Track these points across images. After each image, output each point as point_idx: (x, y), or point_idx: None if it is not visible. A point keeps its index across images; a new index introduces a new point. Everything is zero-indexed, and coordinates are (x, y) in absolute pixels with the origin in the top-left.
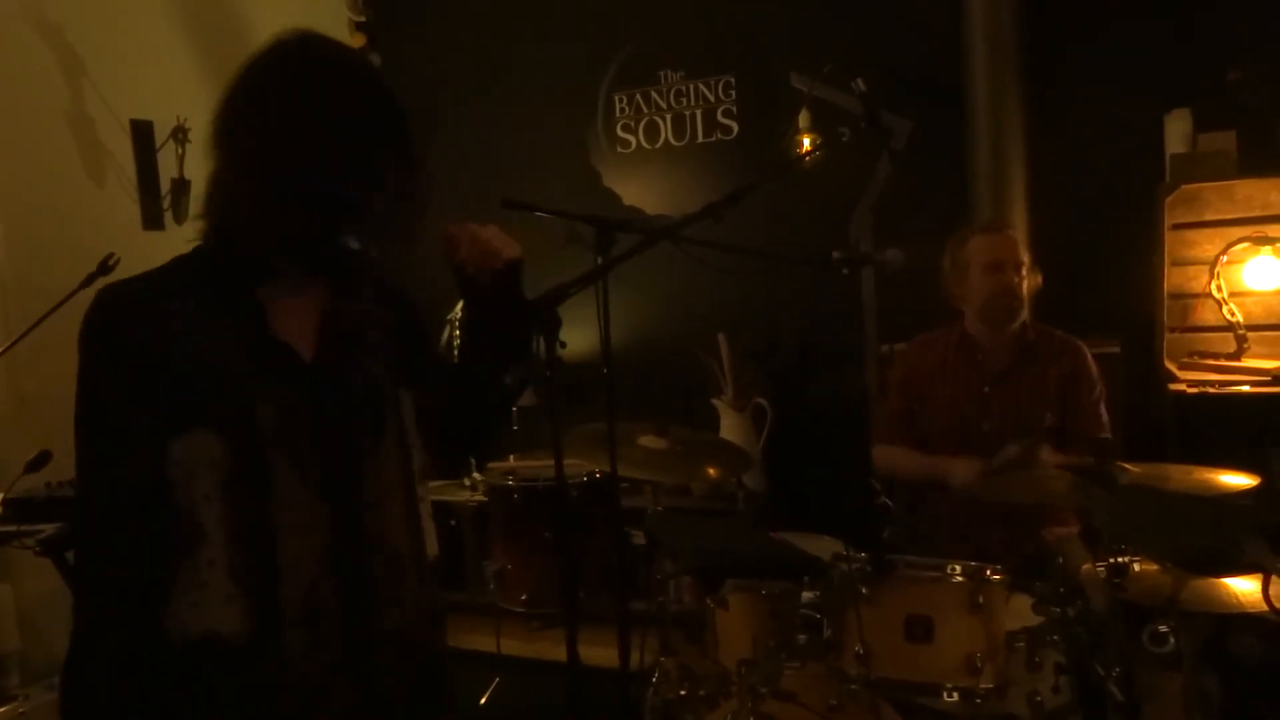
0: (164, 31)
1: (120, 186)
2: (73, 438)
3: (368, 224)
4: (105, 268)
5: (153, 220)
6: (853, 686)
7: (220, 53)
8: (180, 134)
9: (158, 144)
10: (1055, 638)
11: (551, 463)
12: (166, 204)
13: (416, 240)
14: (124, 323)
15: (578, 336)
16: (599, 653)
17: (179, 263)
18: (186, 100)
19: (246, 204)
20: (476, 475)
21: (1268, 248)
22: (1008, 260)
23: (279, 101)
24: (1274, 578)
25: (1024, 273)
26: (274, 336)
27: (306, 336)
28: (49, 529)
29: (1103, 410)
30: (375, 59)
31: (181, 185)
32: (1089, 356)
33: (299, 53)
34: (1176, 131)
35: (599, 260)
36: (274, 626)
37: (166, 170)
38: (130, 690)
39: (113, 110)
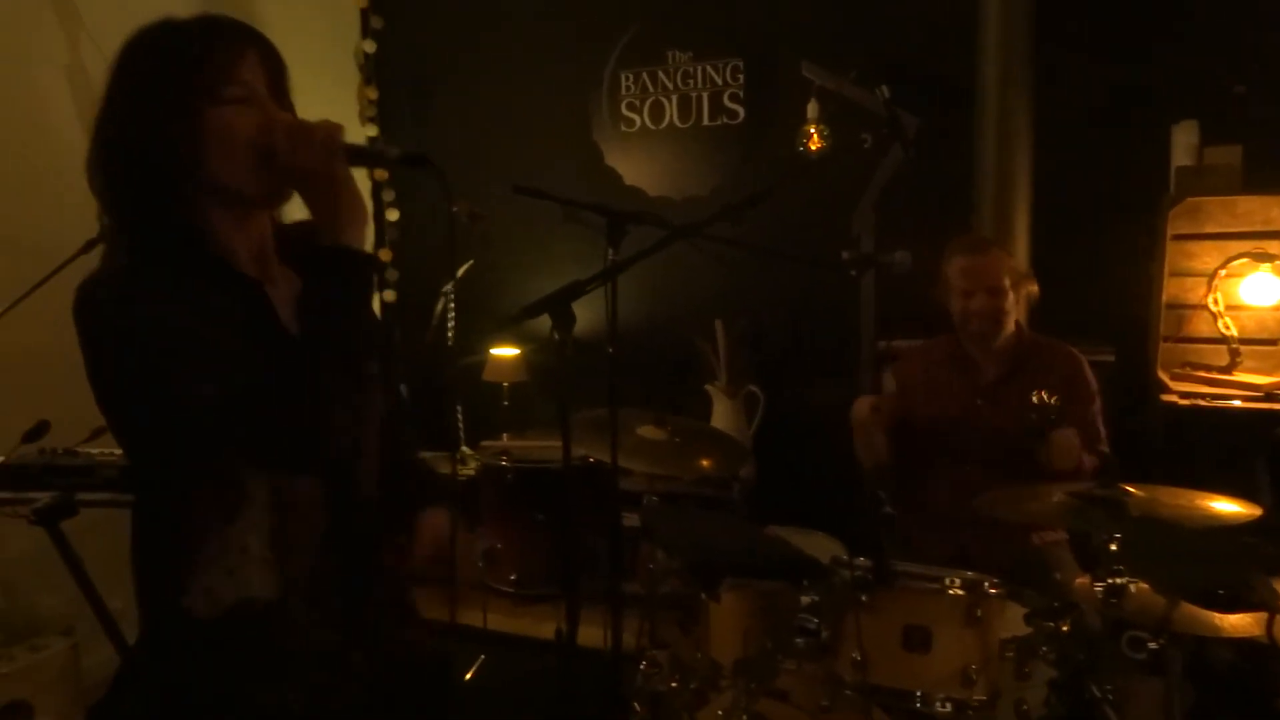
0: None
1: None
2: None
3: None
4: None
5: None
6: (848, 691)
7: (229, 10)
8: None
9: None
10: (1045, 649)
11: (544, 444)
12: None
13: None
14: (138, 300)
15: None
16: (584, 632)
17: (151, 258)
18: None
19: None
20: (467, 450)
21: (1267, 264)
22: (979, 287)
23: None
24: (1278, 617)
25: (1004, 294)
26: (283, 327)
27: (291, 318)
28: (44, 498)
29: (1100, 423)
30: (377, 21)
31: None
32: (1085, 365)
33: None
34: (1183, 143)
35: (609, 251)
36: (288, 593)
37: None
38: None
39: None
